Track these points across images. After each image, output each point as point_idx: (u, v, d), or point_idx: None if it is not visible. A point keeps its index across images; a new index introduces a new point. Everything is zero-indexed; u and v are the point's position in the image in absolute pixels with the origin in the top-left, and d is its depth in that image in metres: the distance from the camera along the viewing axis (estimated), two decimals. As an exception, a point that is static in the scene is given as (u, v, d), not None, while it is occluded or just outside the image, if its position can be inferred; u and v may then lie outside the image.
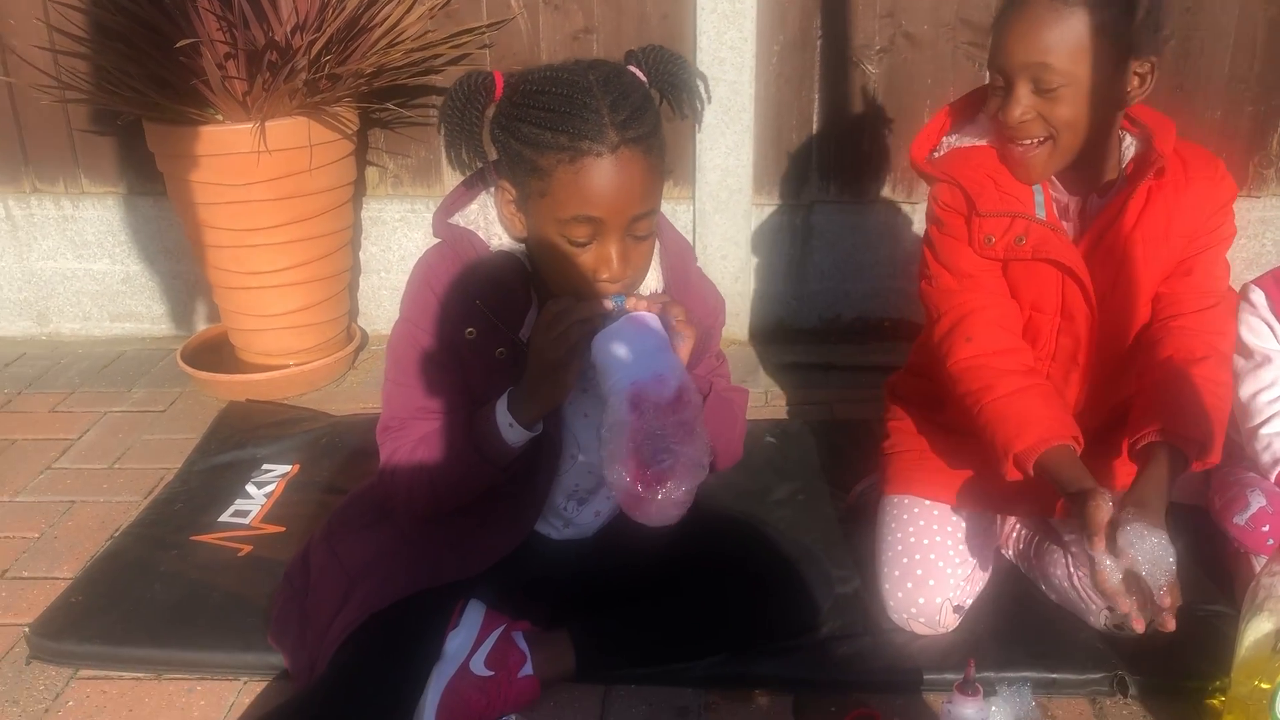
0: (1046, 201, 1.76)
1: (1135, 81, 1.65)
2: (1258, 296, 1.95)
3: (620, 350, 1.43)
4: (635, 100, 1.44)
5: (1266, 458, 1.86)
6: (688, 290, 1.68)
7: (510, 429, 1.55)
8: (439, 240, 1.62)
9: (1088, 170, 1.73)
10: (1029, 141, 1.67)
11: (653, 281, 1.65)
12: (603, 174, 1.41)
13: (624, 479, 1.36)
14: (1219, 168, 1.75)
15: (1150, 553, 1.45)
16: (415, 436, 1.62)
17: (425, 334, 1.60)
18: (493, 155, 1.53)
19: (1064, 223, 1.78)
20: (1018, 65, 1.61)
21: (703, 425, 1.40)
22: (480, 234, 1.58)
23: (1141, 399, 1.68)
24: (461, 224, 1.59)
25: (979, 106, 1.80)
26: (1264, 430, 1.88)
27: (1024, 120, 1.64)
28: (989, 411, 1.68)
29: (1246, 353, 1.93)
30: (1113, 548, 1.46)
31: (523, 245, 1.59)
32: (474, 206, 1.60)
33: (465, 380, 1.62)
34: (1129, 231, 1.72)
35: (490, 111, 1.50)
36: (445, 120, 1.50)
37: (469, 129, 1.49)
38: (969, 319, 1.77)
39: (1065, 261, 1.72)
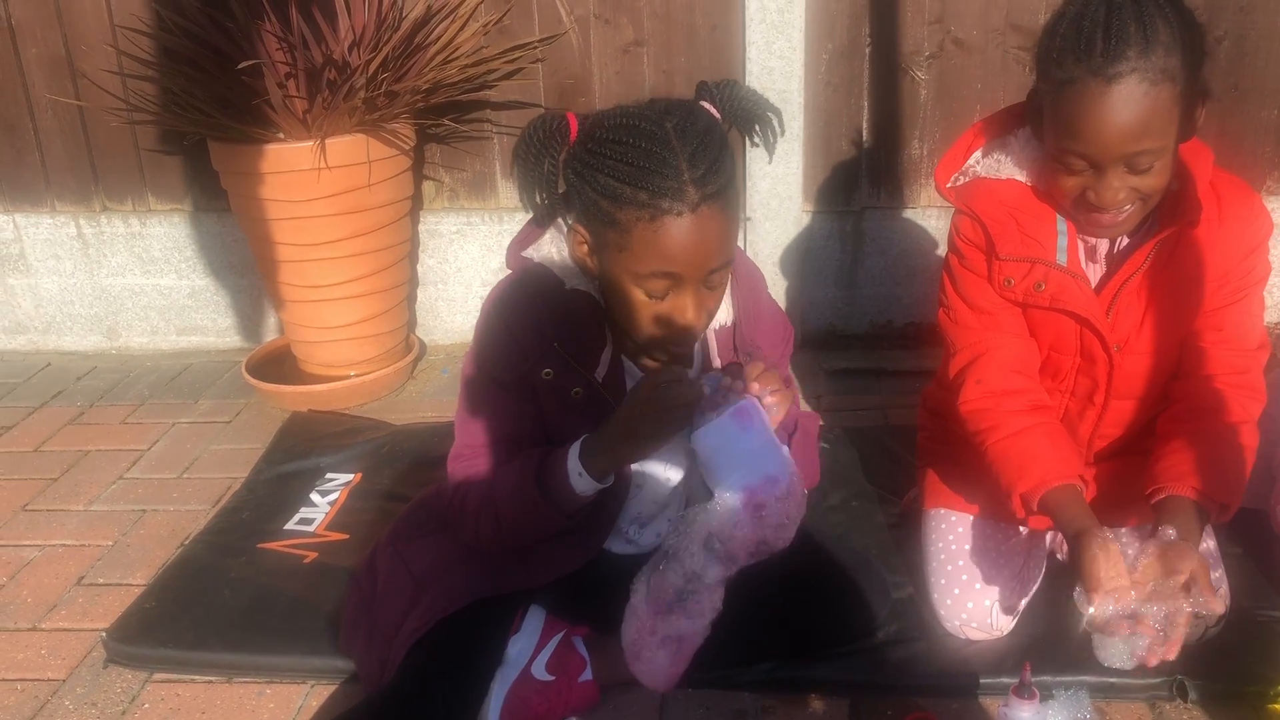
0: (1070, 245, 1.70)
1: (1199, 119, 1.58)
2: None
3: (729, 448, 1.44)
4: (713, 151, 1.42)
5: None
6: (758, 321, 1.70)
7: (580, 478, 1.53)
8: (510, 272, 1.64)
9: None
10: (1117, 211, 1.59)
11: (723, 313, 1.66)
12: (682, 233, 1.40)
13: (735, 558, 1.45)
14: (1254, 205, 1.69)
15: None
16: (484, 469, 1.62)
17: (500, 368, 1.60)
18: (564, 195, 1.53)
19: (1091, 264, 1.74)
20: (1114, 156, 1.52)
21: (803, 506, 1.46)
22: (555, 270, 1.59)
23: (1174, 453, 1.64)
24: (535, 258, 1.61)
25: (1012, 124, 1.75)
26: None
27: (1120, 200, 1.57)
28: (994, 452, 1.68)
29: None
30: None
31: (595, 283, 1.59)
32: (546, 239, 1.61)
33: (539, 412, 1.62)
34: (1157, 276, 1.69)
35: (563, 155, 1.49)
36: (519, 162, 1.50)
37: (544, 173, 1.48)
38: (981, 361, 1.75)
39: (1082, 314, 1.70)
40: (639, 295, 1.48)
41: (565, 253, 1.59)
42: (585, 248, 1.53)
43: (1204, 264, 1.67)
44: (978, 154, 1.79)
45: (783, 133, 1.57)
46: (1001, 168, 1.75)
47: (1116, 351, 1.73)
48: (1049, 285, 1.70)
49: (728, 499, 1.42)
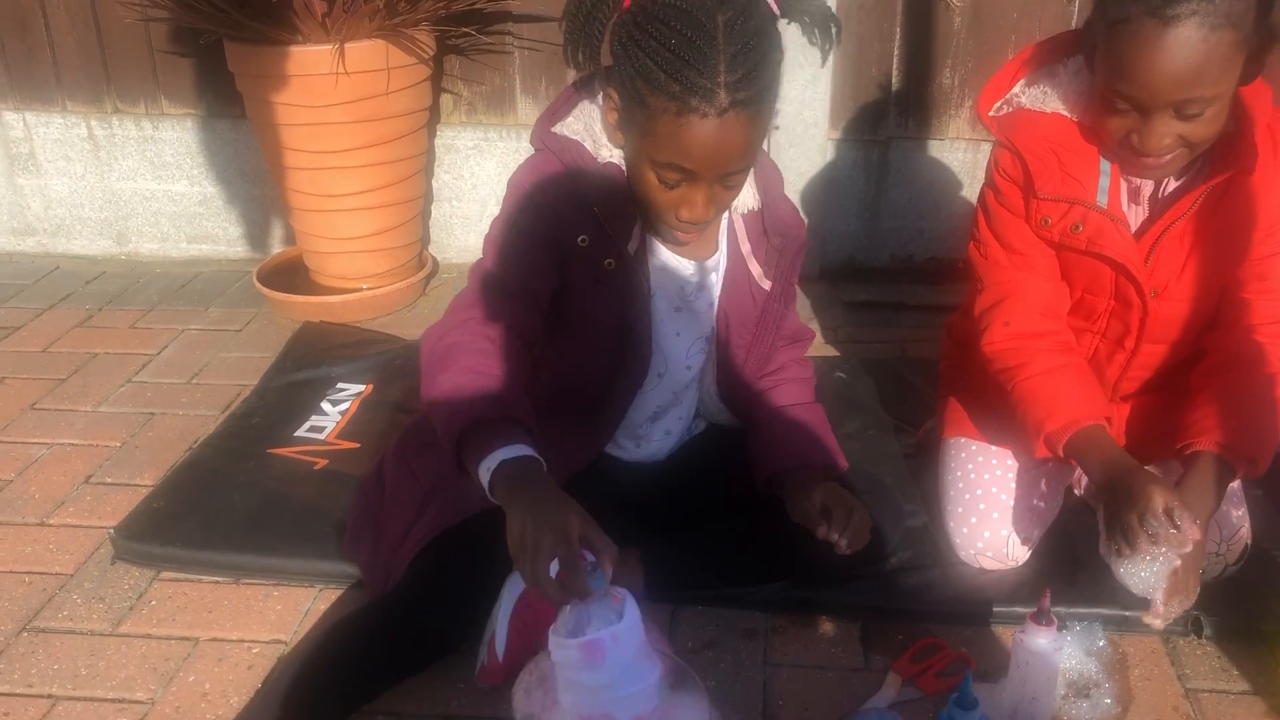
0: (1113, 186, 1.64)
1: (1265, 64, 1.50)
2: None
3: (568, 676, 1.26)
4: (757, 55, 1.37)
5: None
6: (778, 211, 1.68)
7: (482, 479, 1.35)
8: (536, 152, 1.59)
9: None
10: (1161, 157, 1.53)
11: (749, 199, 1.65)
12: (705, 134, 1.37)
13: None
14: None
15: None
16: (475, 317, 1.48)
17: (535, 223, 1.54)
18: (607, 63, 1.48)
19: (1134, 206, 1.68)
20: (1162, 102, 1.45)
21: None
22: (587, 144, 1.55)
23: (1204, 405, 1.61)
24: (566, 134, 1.57)
25: (1062, 53, 1.67)
26: None
27: (1165, 147, 1.50)
28: (1021, 389, 1.65)
29: None
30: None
31: (623, 160, 1.56)
32: (573, 117, 1.57)
33: (559, 272, 1.56)
34: (1203, 223, 1.63)
35: (613, 20, 1.44)
36: (568, 18, 1.46)
37: (590, 34, 1.44)
38: (1009, 302, 1.71)
39: (1119, 259, 1.65)
40: (653, 178, 1.46)
41: (595, 129, 1.56)
42: (615, 116, 1.50)
43: (1255, 211, 1.61)
44: (1023, 83, 1.71)
45: (838, 44, 1.53)
46: (1047, 100, 1.67)
47: (1153, 298, 1.68)
48: (1087, 227, 1.65)
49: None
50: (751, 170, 1.63)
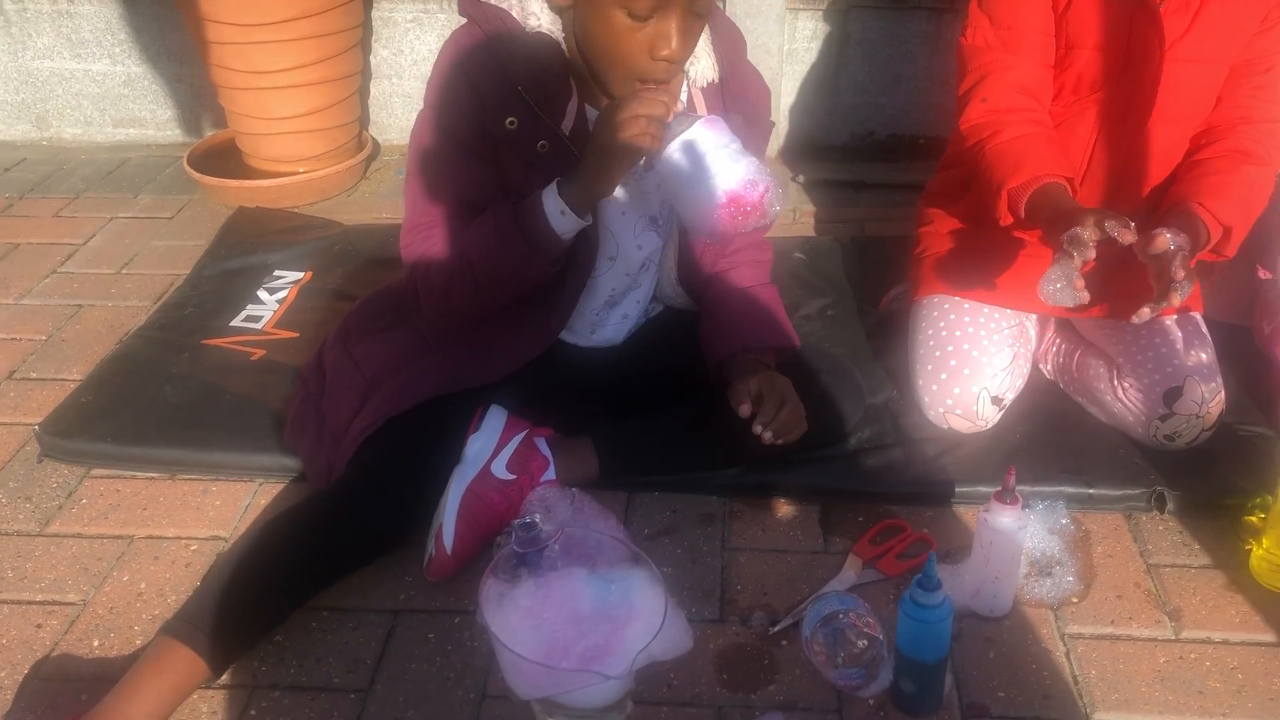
0: None
1: None
2: None
3: (711, 155, 1.37)
4: None
5: None
6: (743, 80, 1.60)
7: (562, 216, 1.43)
8: (465, 21, 1.49)
9: None
10: None
11: (707, 69, 1.56)
12: None
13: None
14: None
15: None
16: (446, 237, 1.52)
17: (459, 121, 1.48)
18: None
19: None
20: None
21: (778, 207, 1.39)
22: (514, 12, 1.46)
23: (1191, 180, 1.64)
24: (493, 1, 1.47)
25: None
26: None
27: None
28: (990, 153, 1.64)
29: None
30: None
31: (559, 30, 1.46)
32: None
33: (500, 178, 1.51)
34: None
35: None
36: None
37: None
38: (989, 80, 1.69)
39: None
40: (620, 18, 1.35)
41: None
42: None
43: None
44: None
45: None
46: None
47: (1168, 48, 1.62)
48: None
49: (707, 205, 1.37)
50: (710, 34, 1.54)
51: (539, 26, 1.45)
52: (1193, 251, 1.48)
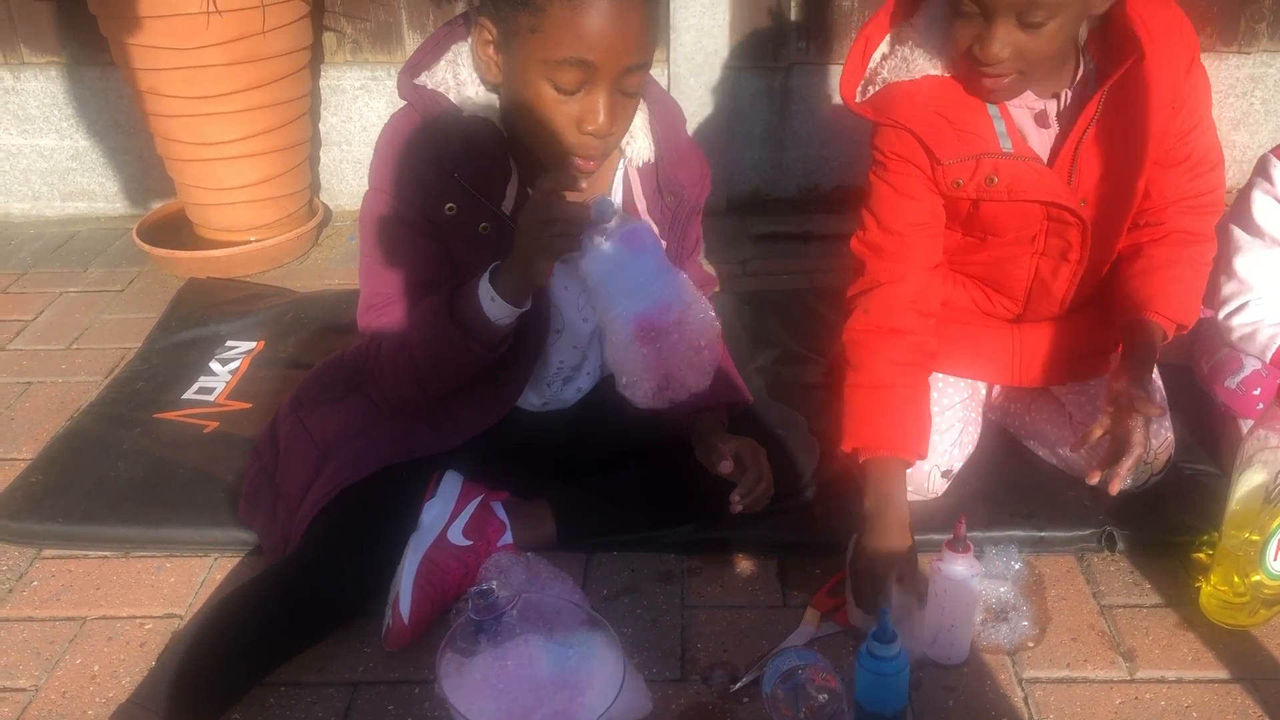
0: (1009, 127, 1.58)
1: None
2: (1277, 172, 1.82)
3: (619, 274, 1.33)
4: None
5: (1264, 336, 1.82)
6: (679, 159, 1.61)
7: (492, 303, 1.43)
8: (404, 104, 1.52)
9: (1054, 76, 1.57)
10: (1000, 77, 1.49)
11: (644, 149, 1.58)
12: (602, 15, 1.31)
13: (640, 394, 1.34)
14: (1176, 15, 1.57)
15: None
16: (399, 317, 1.53)
17: (403, 205, 1.50)
18: None
19: (1042, 132, 1.62)
20: (1004, 4, 1.40)
21: (712, 333, 1.35)
22: (451, 95, 1.48)
23: (1136, 278, 1.65)
24: (429, 85, 1.49)
25: (903, 14, 1.60)
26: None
27: (1002, 58, 1.45)
28: (849, 395, 1.62)
29: (1256, 230, 1.83)
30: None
31: (496, 108, 1.48)
32: (442, 65, 1.49)
33: (449, 254, 1.53)
34: (1113, 122, 1.58)
35: None
36: None
37: None
38: (879, 291, 1.64)
39: (1045, 198, 1.60)
40: (548, 91, 1.37)
41: (462, 78, 1.48)
42: (490, 48, 1.41)
43: (1151, 92, 1.57)
44: (878, 57, 1.63)
45: None
46: (911, 66, 1.58)
47: (1083, 207, 1.62)
48: (1002, 177, 1.58)
49: (618, 329, 1.32)
50: (647, 113, 1.56)
51: (474, 104, 1.47)
52: (1148, 363, 1.56)
